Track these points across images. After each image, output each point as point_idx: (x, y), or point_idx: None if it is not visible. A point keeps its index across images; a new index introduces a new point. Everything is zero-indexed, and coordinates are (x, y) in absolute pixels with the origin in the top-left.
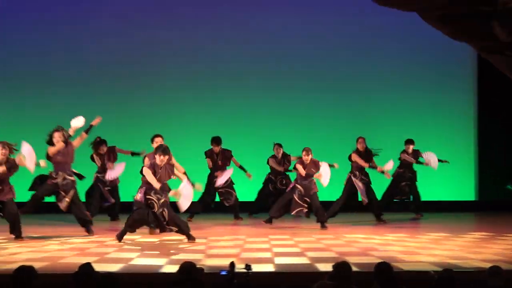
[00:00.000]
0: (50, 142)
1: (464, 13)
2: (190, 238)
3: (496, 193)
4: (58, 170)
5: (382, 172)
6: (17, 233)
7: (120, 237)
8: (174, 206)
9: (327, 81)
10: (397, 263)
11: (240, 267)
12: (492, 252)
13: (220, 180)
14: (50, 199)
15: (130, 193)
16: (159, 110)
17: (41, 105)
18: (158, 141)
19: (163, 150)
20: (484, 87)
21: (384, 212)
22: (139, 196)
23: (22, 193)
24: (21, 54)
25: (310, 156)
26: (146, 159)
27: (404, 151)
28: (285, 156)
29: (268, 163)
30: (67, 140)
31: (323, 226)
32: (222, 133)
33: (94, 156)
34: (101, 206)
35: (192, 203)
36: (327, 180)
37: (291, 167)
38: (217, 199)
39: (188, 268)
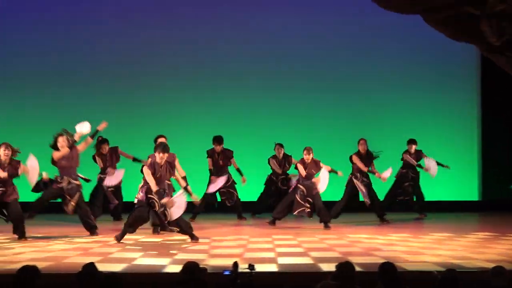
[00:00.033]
0: (55, 147)
1: (459, 15)
2: (193, 238)
3: (500, 193)
4: (63, 174)
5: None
6: (20, 233)
7: (119, 238)
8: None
9: (327, 81)
10: (400, 263)
11: (243, 267)
12: (495, 252)
13: (212, 188)
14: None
15: (132, 193)
16: (159, 110)
17: (41, 105)
18: (161, 141)
19: (163, 147)
20: (487, 86)
21: (387, 212)
22: (140, 195)
23: (25, 194)
24: (21, 54)
25: (311, 155)
26: (149, 160)
27: (407, 151)
28: (286, 157)
29: (268, 163)
30: (72, 145)
31: (327, 226)
32: (222, 133)
33: (96, 157)
34: (106, 207)
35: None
36: (324, 187)
37: (289, 171)
38: (218, 199)
39: (191, 268)
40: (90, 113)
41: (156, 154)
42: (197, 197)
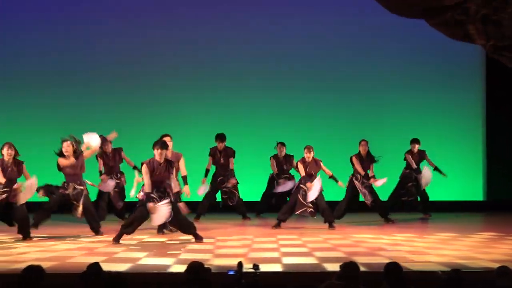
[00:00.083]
0: (61, 154)
1: (450, 20)
2: (198, 238)
3: (505, 193)
4: (69, 181)
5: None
6: (25, 233)
7: (117, 240)
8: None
9: (327, 81)
10: (405, 263)
11: (248, 267)
12: (500, 252)
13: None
14: None
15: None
16: (159, 110)
17: (41, 105)
18: (166, 140)
19: (161, 144)
20: (492, 85)
21: (392, 212)
22: (141, 195)
23: None
24: (21, 54)
25: (312, 154)
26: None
27: (409, 151)
28: (288, 157)
29: (270, 160)
30: (78, 155)
31: (331, 226)
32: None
33: (98, 157)
34: (112, 208)
35: (198, 204)
36: (315, 194)
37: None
38: (218, 198)
39: (196, 268)
40: (90, 113)
41: (155, 152)
42: (184, 205)
